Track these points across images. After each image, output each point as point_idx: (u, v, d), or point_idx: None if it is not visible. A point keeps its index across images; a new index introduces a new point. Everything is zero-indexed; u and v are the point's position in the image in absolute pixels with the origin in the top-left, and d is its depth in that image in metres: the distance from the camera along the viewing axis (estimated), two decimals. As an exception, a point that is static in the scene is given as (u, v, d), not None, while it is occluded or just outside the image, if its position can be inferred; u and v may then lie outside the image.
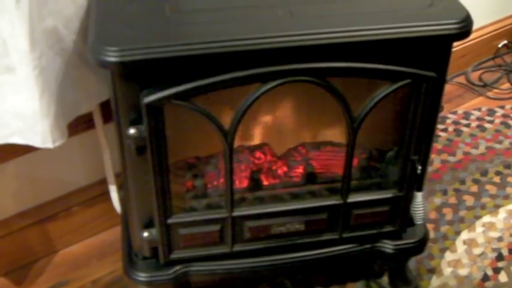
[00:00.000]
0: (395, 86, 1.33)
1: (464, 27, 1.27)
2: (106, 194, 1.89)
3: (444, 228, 2.03)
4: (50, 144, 1.46)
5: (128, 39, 1.17)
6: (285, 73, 1.25)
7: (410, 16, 1.28)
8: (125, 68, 1.17)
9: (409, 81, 1.33)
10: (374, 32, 1.24)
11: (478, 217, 2.08)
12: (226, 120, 1.31)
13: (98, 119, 1.71)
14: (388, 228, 1.60)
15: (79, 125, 1.71)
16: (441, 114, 2.55)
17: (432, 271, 1.88)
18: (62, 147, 1.52)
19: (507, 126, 2.51)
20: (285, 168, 1.61)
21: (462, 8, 1.31)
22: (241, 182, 1.56)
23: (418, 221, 1.59)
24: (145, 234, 1.46)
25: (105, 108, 1.64)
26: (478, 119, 2.55)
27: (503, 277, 1.86)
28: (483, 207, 2.12)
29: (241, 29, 1.22)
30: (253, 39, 1.19)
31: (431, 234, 1.98)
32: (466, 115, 2.57)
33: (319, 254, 1.60)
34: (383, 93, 1.34)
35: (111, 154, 1.77)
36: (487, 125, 2.52)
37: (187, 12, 1.29)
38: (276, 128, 1.61)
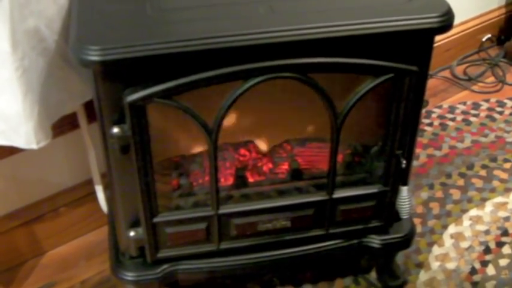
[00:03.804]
0: (378, 81, 1.33)
1: (446, 21, 1.27)
2: (92, 194, 1.89)
3: (431, 223, 2.03)
4: (34, 145, 1.45)
5: (110, 38, 1.17)
6: (267, 70, 1.25)
7: (392, 10, 1.28)
8: (106, 67, 1.17)
9: (391, 75, 1.33)
10: (355, 27, 1.24)
11: (464, 211, 2.08)
12: (210, 118, 1.30)
13: (82, 119, 1.71)
14: (375, 223, 1.60)
15: (63, 126, 1.71)
16: (426, 108, 2.56)
17: (420, 265, 1.88)
18: (47, 148, 1.52)
19: (492, 119, 2.52)
20: (270, 165, 1.61)
21: (443, 1, 1.31)
22: (227, 180, 1.56)
23: (404, 215, 1.59)
24: (132, 233, 1.46)
25: (90, 108, 1.63)
26: (463, 112, 2.56)
27: (490, 270, 1.87)
28: (470, 200, 2.12)
29: (222, 27, 1.22)
30: (234, 36, 1.19)
31: (419, 229, 1.99)
32: (451, 109, 2.58)
33: (306, 250, 1.61)
34: (366, 88, 1.34)
35: (97, 154, 1.76)
36: (472, 119, 2.52)
37: (169, 10, 1.29)
38: (260, 125, 1.61)
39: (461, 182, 2.21)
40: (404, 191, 1.54)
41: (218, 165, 1.38)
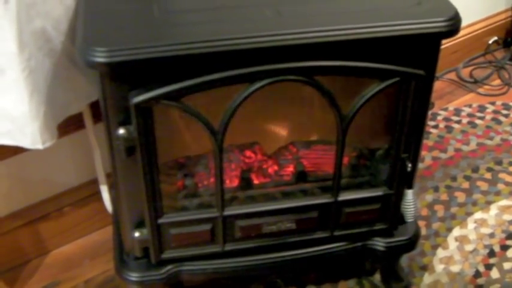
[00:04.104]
0: (384, 85, 1.33)
1: (453, 25, 1.27)
2: (97, 194, 1.89)
3: (436, 225, 2.03)
4: (39, 146, 1.45)
5: (116, 40, 1.17)
6: (273, 72, 1.25)
7: (399, 14, 1.28)
8: (113, 68, 1.17)
9: (397, 79, 1.33)
10: (362, 31, 1.24)
11: (469, 214, 2.08)
12: (216, 119, 1.30)
13: (88, 119, 1.71)
14: (379, 226, 1.60)
15: (69, 126, 1.71)
16: (432, 110, 2.56)
17: (424, 268, 1.88)
18: (52, 148, 1.52)
19: (498, 122, 2.51)
20: (276, 167, 1.61)
21: (450, 5, 1.31)
22: (232, 181, 1.56)
23: (409, 218, 1.59)
24: (137, 234, 1.46)
25: (95, 108, 1.64)
26: (469, 115, 2.56)
27: (495, 273, 1.87)
28: (475, 203, 2.12)
29: (229, 29, 1.22)
30: (241, 38, 1.19)
31: (423, 231, 1.99)
32: (457, 112, 2.58)
33: (310, 252, 1.60)
34: (372, 92, 1.34)
35: (102, 154, 1.76)
36: (478, 122, 2.52)
37: (176, 12, 1.29)
38: (266, 127, 1.61)
39: (466, 184, 2.20)
40: (409, 194, 1.54)
41: (223, 167, 1.38)
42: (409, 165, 1.46)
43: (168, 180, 1.50)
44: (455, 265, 1.89)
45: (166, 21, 1.26)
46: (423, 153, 2.33)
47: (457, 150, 2.37)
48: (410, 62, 1.32)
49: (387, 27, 1.25)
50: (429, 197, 2.15)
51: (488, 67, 2.87)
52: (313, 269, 1.85)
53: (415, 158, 1.49)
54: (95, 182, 1.88)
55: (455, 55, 2.80)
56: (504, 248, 1.95)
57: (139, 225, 1.45)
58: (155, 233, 1.45)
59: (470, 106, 2.62)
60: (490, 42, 2.94)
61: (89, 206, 1.95)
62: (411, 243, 1.67)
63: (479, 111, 2.59)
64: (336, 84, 1.33)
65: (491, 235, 2.00)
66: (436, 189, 2.18)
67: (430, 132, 2.45)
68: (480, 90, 2.73)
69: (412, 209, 1.57)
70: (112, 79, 1.22)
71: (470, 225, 2.04)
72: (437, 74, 2.70)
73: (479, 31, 2.86)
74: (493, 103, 2.64)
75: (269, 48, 1.21)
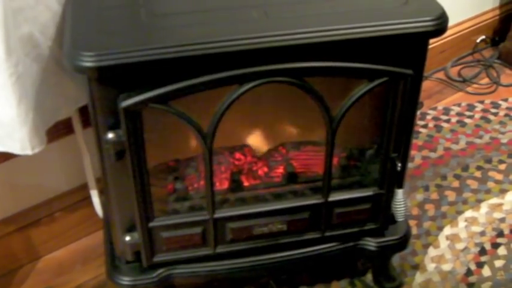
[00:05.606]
0: (372, 85, 1.34)
1: (440, 24, 1.27)
2: (88, 199, 1.88)
3: (427, 224, 2.03)
4: (28, 151, 1.45)
5: (104, 44, 1.17)
6: (262, 74, 1.25)
7: (386, 14, 1.28)
8: (101, 73, 1.16)
9: (386, 79, 1.33)
10: (350, 31, 1.24)
11: (460, 212, 2.09)
12: (205, 122, 1.30)
13: (77, 124, 1.70)
14: (370, 226, 1.60)
15: (58, 131, 1.71)
16: (421, 110, 2.56)
17: (416, 267, 1.89)
18: (42, 153, 1.51)
19: (487, 121, 2.52)
20: (266, 169, 1.61)
21: (437, 5, 1.31)
22: (222, 184, 1.56)
23: (400, 218, 1.59)
24: (128, 238, 1.46)
25: (84, 113, 1.63)
26: (458, 114, 2.56)
27: (486, 271, 1.87)
28: (465, 202, 2.13)
29: (216, 31, 1.22)
30: (228, 41, 1.19)
31: (414, 231, 1.99)
32: (446, 111, 2.58)
33: (302, 253, 1.61)
34: (360, 92, 1.34)
35: (92, 158, 1.76)
36: (467, 120, 2.53)
37: (163, 15, 1.29)
38: (255, 129, 1.61)
39: (456, 183, 2.21)
40: (399, 193, 1.54)
41: (213, 170, 1.38)
42: (399, 164, 1.46)
43: (158, 183, 1.50)
44: (447, 264, 1.90)
45: (154, 25, 1.26)
46: (413, 152, 2.33)
47: (447, 149, 2.37)
48: (399, 62, 1.32)
49: (375, 27, 1.25)
50: (419, 196, 2.15)
51: (476, 66, 2.88)
52: (306, 270, 1.85)
53: (404, 158, 1.49)
54: (85, 187, 1.87)
55: (444, 54, 2.81)
56: (495, 246, 1.96)
57: (130, 229, 1.45)
58: (146, 236, 1.45)
59: (459, 105, 2.62)
60: (478, 41, 2.95)
61: (80, 211, 1.95)
62: (402, 243, 1.68)
63: (468, 110, 2.59)
64: (324, 85, 1.33)
65: (482, 233, 2.00)
66: (426, 188, 2.18)
67: (419, 132, 2.45)
68: (469, 89, 2.74)
69: (403, 209, 1.57)
70: (100, 83, 1.22)
71: (461, 223, 2.04)
72: (426, 74, 2.71)
73: (467, 30, 2.87)
74: (481, 102, 2.64)
75: (257, 50, 1.21)
